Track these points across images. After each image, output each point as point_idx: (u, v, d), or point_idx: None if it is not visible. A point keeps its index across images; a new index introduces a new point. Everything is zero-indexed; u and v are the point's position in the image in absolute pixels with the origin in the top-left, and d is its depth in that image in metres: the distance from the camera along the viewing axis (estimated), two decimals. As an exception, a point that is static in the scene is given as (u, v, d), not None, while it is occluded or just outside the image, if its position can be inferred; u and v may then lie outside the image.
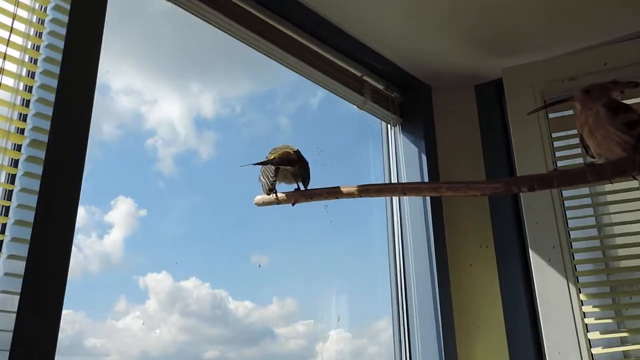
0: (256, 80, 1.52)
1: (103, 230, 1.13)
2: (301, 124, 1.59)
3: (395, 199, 1.66)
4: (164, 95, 1.34)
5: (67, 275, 0.85)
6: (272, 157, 1.02)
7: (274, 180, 0.99)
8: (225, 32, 1.30)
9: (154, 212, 1.20)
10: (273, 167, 1.00)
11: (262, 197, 1.07)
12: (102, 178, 1.01)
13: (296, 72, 1.46)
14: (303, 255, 1.40)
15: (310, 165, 1.07)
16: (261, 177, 1.04)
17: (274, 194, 1.04)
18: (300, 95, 1.62)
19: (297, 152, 1.06)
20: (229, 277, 1.27)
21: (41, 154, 0.88)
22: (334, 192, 1.02)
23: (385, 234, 1.66)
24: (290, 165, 1.00)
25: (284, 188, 1.07)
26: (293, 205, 1.05)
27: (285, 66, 1.43)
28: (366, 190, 1.00)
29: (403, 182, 1.64)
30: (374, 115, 1.74)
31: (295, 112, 1.59)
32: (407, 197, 1.60)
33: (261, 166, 1.04)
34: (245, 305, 1.30)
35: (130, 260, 1.15)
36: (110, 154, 1.17)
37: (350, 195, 1.00)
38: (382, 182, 1.69)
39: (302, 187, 1.05)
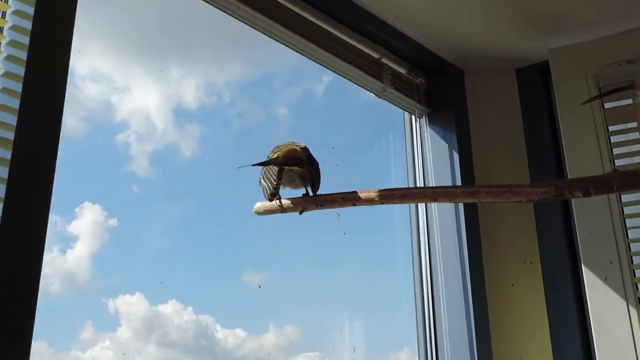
0: (249, 63, 1.51)
1: (66, 244, 1.13)
2: (305, 115, 1.58)
3: (421, 206, 1.65)
4: (138, 81, 1.31)
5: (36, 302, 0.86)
6: (275, 156, 1.03)
7: (277, 184, 1.00)
8: (212, 4, 1.28)
9: (126, 222, 1.20)
10: (276, 169, 1.00)
11: (263, 204, 1.07)
12: (64, 181, 0.98)
13: (299, 53, 1.45)
14: (308, 274, 1.39)
15: (320, 165, 1.07)
16: (262, 181, 1.05)
17: (278, 201, 1.04)
18: (302, 81, 1.60)
19: (305, 150, 1.06)
20: (217, 300, 1.26)
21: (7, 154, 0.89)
22: (350, 198, 1.02)
23: (409, 248, 1.65)
24: (297, 166, 1.00)
25: (289, 193, 1.07)
26: (301, 213, 1.05)
27: (286, 45, 1.41)
28: (389, 196, 1.00)
29: (432, 185, 1.64)
30: (395, 105, 1.73)
31: (297, 101, 1.58)
32: (436, 203, 1.59)
33: (262, 167, 1.04)
34: (236, 334, 1.29)
35: (98, 280, 1.15)
36: (75, 152, 1.16)
37: (369, 202, 1.00)
38: (405, 185, 1.69)
39: (311, 192, 1.05)
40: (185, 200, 1.29)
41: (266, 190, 1.02)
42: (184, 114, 1.36)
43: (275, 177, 1.00)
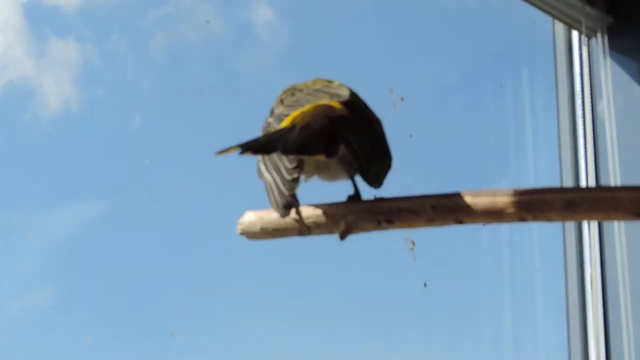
0: None
1: None
2: (335, 22, 1.66)
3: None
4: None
5: None
6: (289, 121, 0.93)
7: (295, 181, 0.91)
8: None
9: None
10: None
11: (260, 215, 0.97)
12: None
13: None
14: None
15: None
16: (263, 170, 0.96)
17: (295, 212, 0.93)
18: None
19: (352, 105, 0.97)
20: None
21: None
22: (450, 208, 0.92)
23: (563, 285, 1.68)
24: (326, 153, 0.90)
25: (312, 192, 0.99)
26: (343, 238, 0.94)
27: None
28: (538, 205, 0.89)
29: (620, 183, 1.63)
30: (541, 10, 1.70)
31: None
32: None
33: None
34: None
35: None
36: None
37: (492, 216, 0.91)
38: (557, 177, 1.68)
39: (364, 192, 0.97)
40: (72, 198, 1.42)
41: (273, 191, 0.93)
42: (51, 18, 1.43)
43: (290, 165, 0.91)
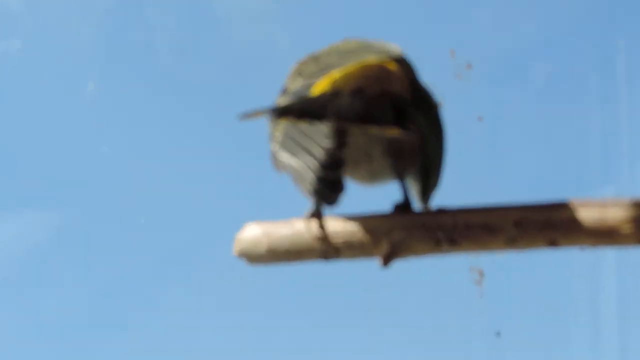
0: None
1: None
2: None
3: None
4: None
5: None
6: (326, 83, 0.94)
7: (337, 164, 0.91)
8: None
9: None
10: (329, 126, 0.91)
11: (269, 231, 0.99)
12: None
13: None
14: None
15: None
16: (287, 158, 0.98)
17: (318, 224, 0.95)
18: None
19: (408, 72, 0.98)
20: None
21: None
22: (542, 226, 0.92)
23: None
24: (390, 126, 0.92)
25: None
26: (386, 263, 0.95)
27: None
28: None
29: None
30: None
31: None
32: None
33: (275, 120, 0.98)
34: None
35: None
36: None
37: (609, 238, 0.91)
38: None
39: (416, 200, 1.01)
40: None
41: (305, 178, 0.94)
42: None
43: (328, 144, 0.90)
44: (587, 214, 0.89)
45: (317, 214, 0.96)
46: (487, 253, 1.01)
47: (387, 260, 0.93)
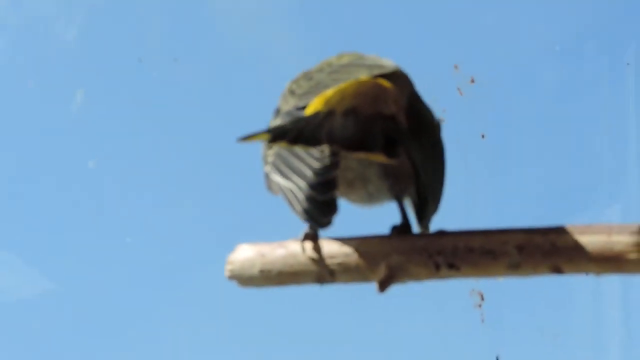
0: None
1: None
2: None
3: None
4: None
5: None
6: (320, 103, 0.94)
7: (327, 189, 0.91)
8: None
9: None
10: (326, 150, 0.92)
11: (263, 252, 0.98)
12: None
13: None
14: None
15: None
16: (280, 180, 0.98)
17: (314, 247, 0.96)
18: None
19: (403, 89, 0.98)
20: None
21: None
22: (546, 252, 0.91)
23: None
24: (382, 153, 0.91)
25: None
26: (383, 289, 0.94)
27: None
28: None
29: None
30: None
31: None
32: None
33: (268, 145, 0.99)
34: None
35: None
36: None
37: (615, 265, 0.90)
38: None
39: (413, 221, 1.01)
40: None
41: (297, 199, 0.95)
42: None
43: (320, 164, 0.91)
44: (592, 240, 0.88)
45: (311, 236, 0.95)
46: (487, 278, 1.00)
47: (384, 284, 0.92)
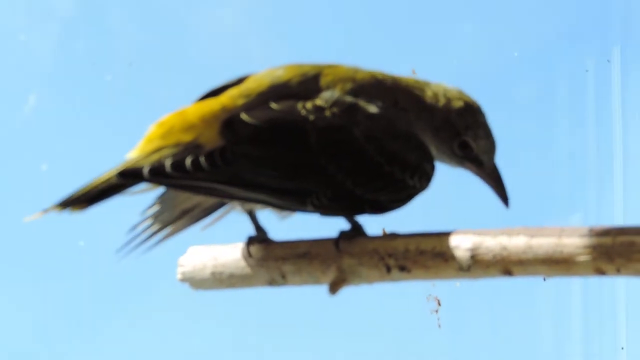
0: None
1: None
2: None
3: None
4: None
5: None
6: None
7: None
8: None
9: None
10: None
11: (215, 255, 1.02)
12: None
13: None
14: None
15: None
16: None
17: (247, 247, 1.01)
18: None
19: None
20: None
21: None
22: (496, 254, 0.94)
23: None
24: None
25: (284, 226, 1.04)
26: (334, 291, 0.98)
27: None
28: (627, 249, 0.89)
29: None
30: None
31: None
32: None
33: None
34: None
35: None
36: None
37: (564, 267, 0.93)
38: None
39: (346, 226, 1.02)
40: None
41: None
42: None
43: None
44: (542, 243, 0.90)
45: (258, 239, 0.99)
46: (442, 281, 1.06)
47: (335, 287, 0.95)
